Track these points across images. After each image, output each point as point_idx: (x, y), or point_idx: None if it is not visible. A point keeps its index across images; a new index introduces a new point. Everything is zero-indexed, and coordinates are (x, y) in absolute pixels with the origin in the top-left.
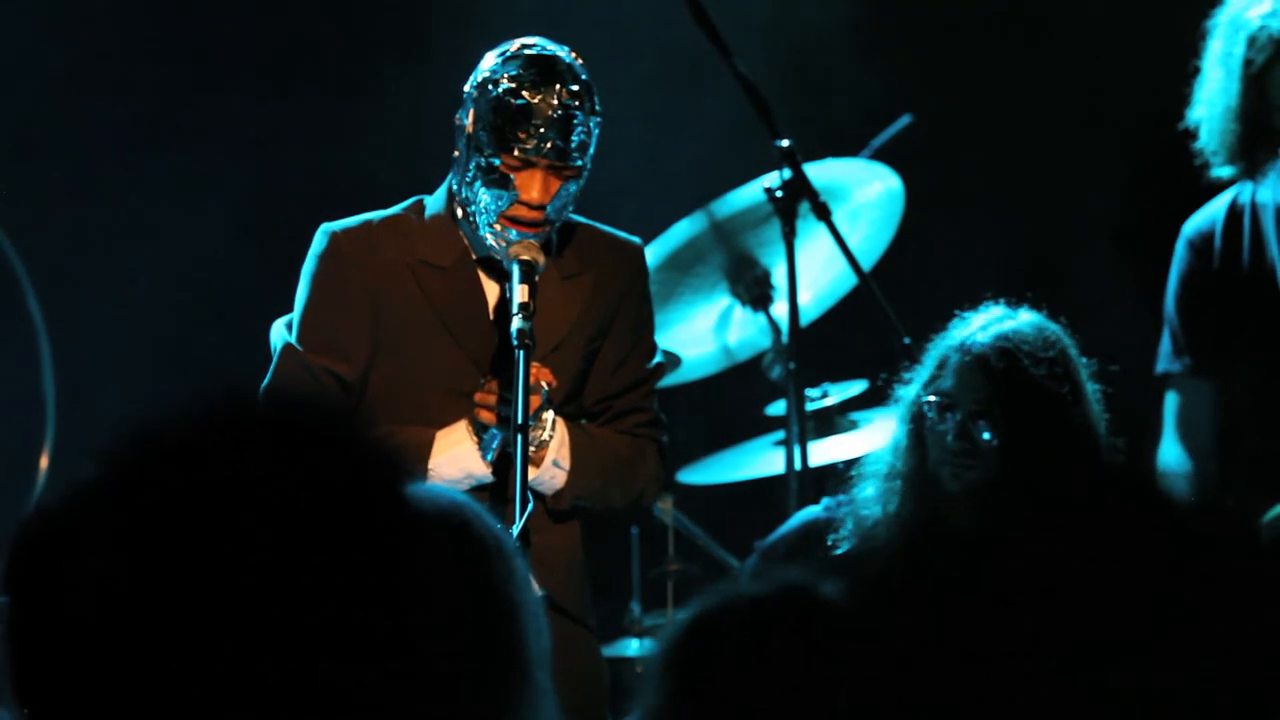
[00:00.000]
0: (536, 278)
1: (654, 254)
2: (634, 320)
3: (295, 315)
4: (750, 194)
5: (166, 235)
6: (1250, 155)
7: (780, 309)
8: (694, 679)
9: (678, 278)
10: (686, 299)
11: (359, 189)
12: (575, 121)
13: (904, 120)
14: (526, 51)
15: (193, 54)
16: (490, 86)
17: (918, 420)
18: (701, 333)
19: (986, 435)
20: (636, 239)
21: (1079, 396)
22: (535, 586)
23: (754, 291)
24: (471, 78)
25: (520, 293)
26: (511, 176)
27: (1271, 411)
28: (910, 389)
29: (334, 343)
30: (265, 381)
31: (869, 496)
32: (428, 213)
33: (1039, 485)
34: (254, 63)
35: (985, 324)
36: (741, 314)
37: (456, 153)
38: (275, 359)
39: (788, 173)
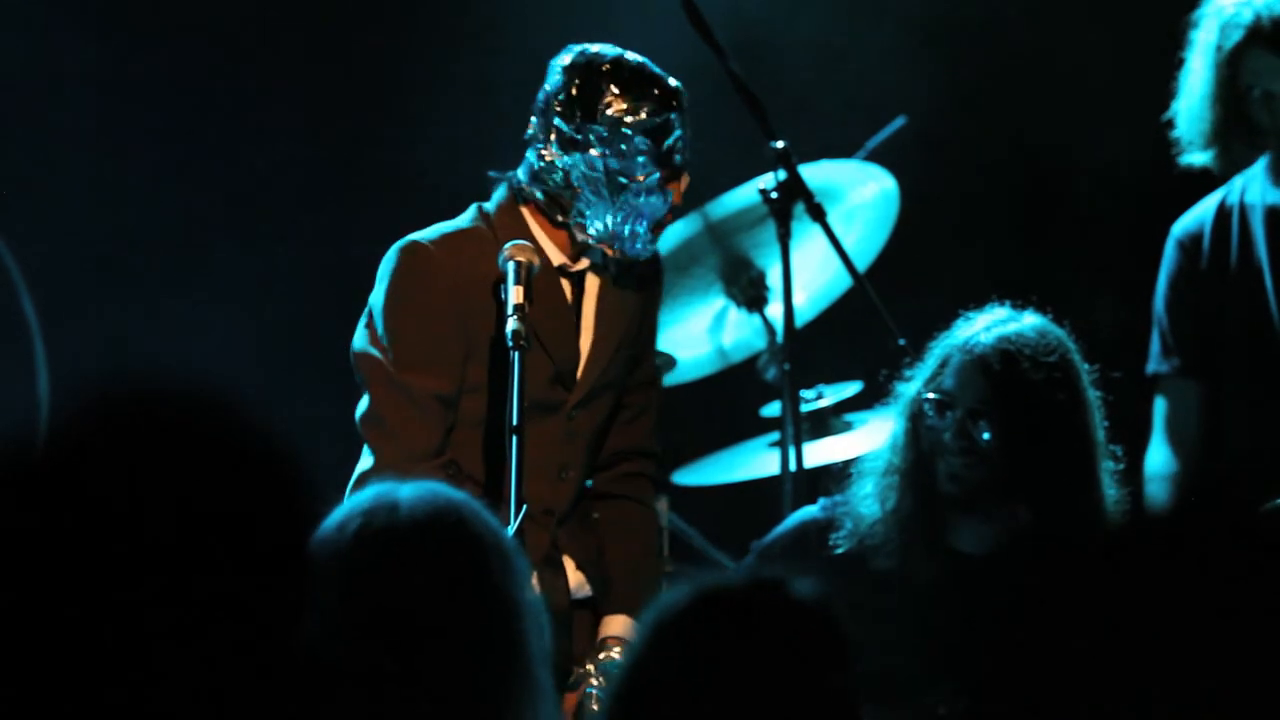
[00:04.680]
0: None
1: None
2: (652, 327)
3: (386, 333)
4: (745, 195)
5: (168, 238)
6: (1224, 141)
7: (775, 310)
8: (680, 661)
9: (673, 279)
10: (682, 300)
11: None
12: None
13: (899, 122)
14: (630, 72)
15: (195, 51)
16: (619, 117)
17: (916, 418)
18: (696, 334)
19: (985, 435)
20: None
21: (1079, 402)
22: (582, 587)
23: (749, 293)
24: (571, 109)
25: (515, 294)
26: (669, 189)
27: (1259, 411)
28: (911, 386)
29: (433, 360)
30: (363, 408)
31: (867, 494)
32: (494, 226)
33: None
34: (253, 58)
35: (989, 325)
36: (736, 315)
37: (558, 181)
38: (369, 384)
39: (783, 174)
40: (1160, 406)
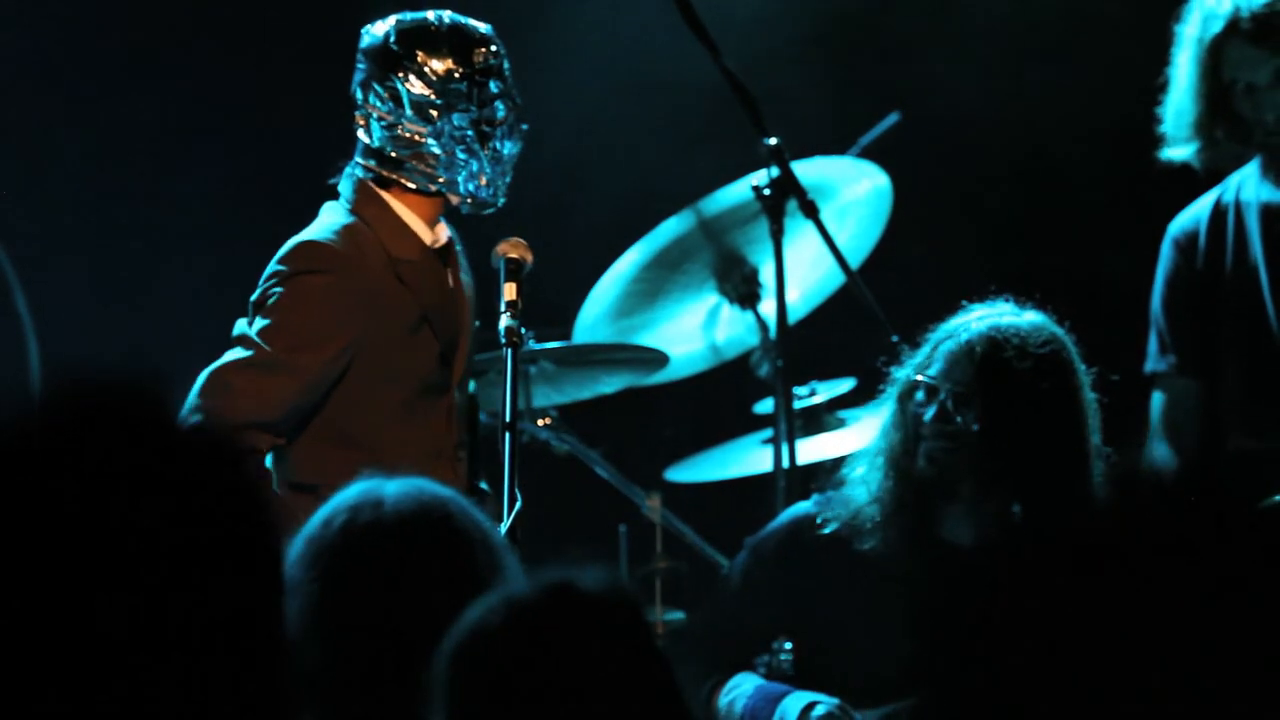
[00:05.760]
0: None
1: (642, 251)
2: None
3: (274, 321)
4: (738, 192)
5: (160, 237)
6: (1208, 132)
7: (768, 307)
8: (474, 686)
9: (666, 275)
10: (674, 297)
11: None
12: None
13: (892, 118)
14: (462, 27)
15: (184, 48)
16: (470, 68)
17: (904, 400)
18: (689, 330)
19: (962, 419)
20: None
21: (1067, 397)
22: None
23: (742, 289)
24: (415, 83)
25: (508, 290)
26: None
27: (1255, 410)
28: (903, 371)
29: (313, 345)
30: (208, 370)
31: (856, 478)
32: (365, 218)
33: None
34: (244, 60)
35: (984, 315)
36: (729, 312)
37: (416, 134)
38: (233, 353)
39: (775, 171)
40: (1157, 405)
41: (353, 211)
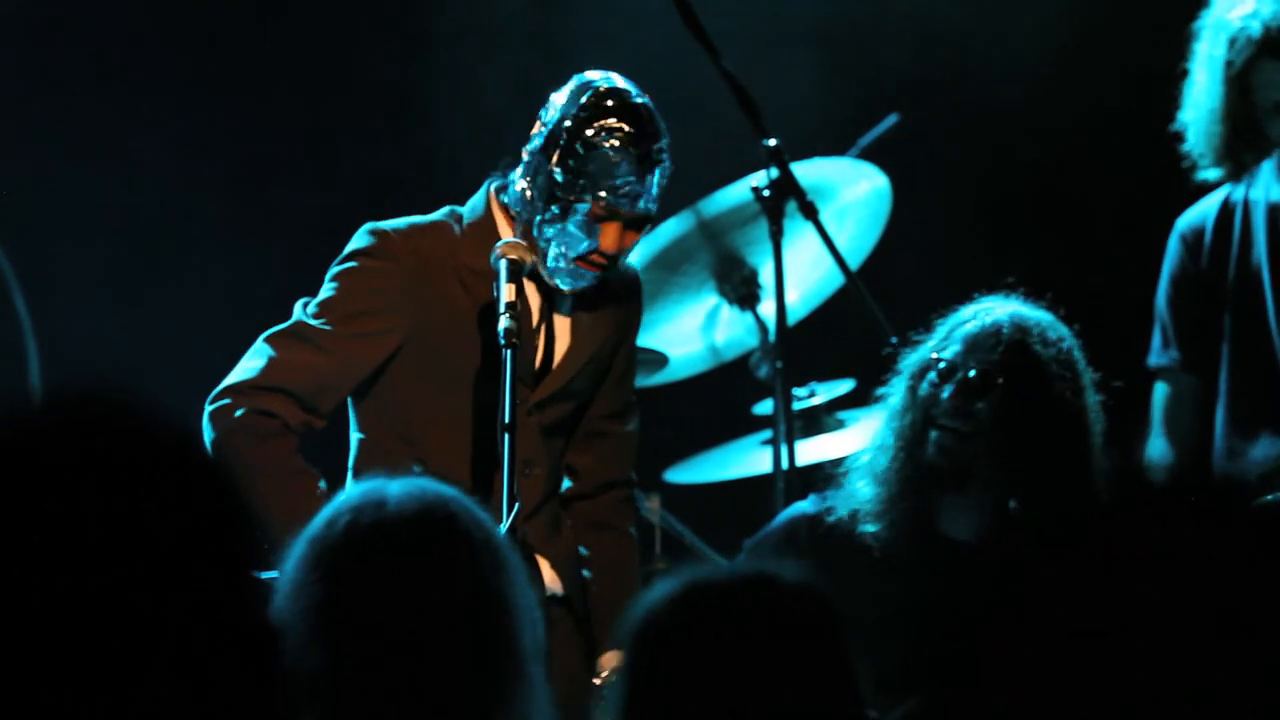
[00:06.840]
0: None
1: (641, 253)
2: (630, 351)
3: (322, 297)
4: (737, 193)
5: (162, 236)
6: (1236, 156)
7: (767, 308)
8: (664, 658)
9: (665, 276)
10: (674, 298)
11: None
12: (657, 176)
13: (891, 119)
14: (612, 99)
15: (186, 52)
16: (579, 130)
17: (915, 381)
18: (689, 331)
19: (984, 401)
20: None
21: (1079, 395)
22: (555, 584)
23: (741, 290)
24: (553, 113)
25: (507, 292)
26: (597, 226)
27: (1253, 408)
28: (915, 355)
29: (357, 328)
30: (258, 340)
31: (861, 465)
32: (465, 222)
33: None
34: (245, 63)
35: (1003, 304)
36: (729, 313)
37: (523, 185)
38: (282, 325)
39: (775, 172)
40: (1159, 400)
41: (457, 214)
